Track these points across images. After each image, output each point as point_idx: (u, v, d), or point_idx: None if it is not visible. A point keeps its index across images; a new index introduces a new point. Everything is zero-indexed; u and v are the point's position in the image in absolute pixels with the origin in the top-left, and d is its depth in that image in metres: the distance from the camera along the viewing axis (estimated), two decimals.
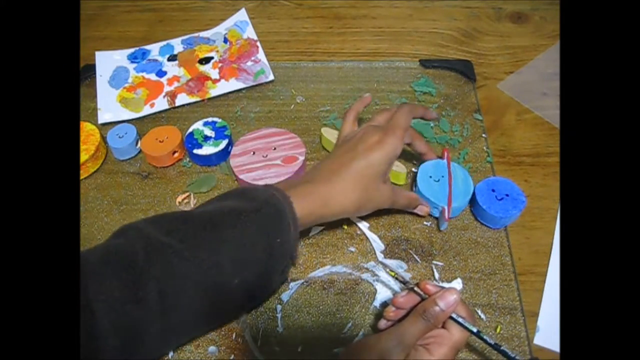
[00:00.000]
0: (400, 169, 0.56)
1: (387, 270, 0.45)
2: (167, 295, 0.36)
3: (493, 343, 0.39)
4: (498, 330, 0.46)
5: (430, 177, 0.53)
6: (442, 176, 0.53)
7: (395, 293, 0.49)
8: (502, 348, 0.39)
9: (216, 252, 0.38)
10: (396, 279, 0.44)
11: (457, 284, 0.49)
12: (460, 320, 0.39)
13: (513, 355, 0.39)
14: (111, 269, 0.36)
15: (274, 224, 0.41)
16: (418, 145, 0.53)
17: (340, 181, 0.45)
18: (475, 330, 0.39)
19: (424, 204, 0.52)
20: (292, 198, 0.42)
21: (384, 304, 0.48)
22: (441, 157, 0.55)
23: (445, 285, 0.49)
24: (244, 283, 0.40)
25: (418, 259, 0.51)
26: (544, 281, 0.50)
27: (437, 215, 0.54)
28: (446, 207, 0.51)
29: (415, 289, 0.41)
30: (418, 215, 0.54)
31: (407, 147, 0.52)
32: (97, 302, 0.34)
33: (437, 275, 0.50)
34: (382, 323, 0.43)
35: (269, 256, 0.41)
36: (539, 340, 0.46)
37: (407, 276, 0.50)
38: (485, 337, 0.39)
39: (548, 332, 0.46)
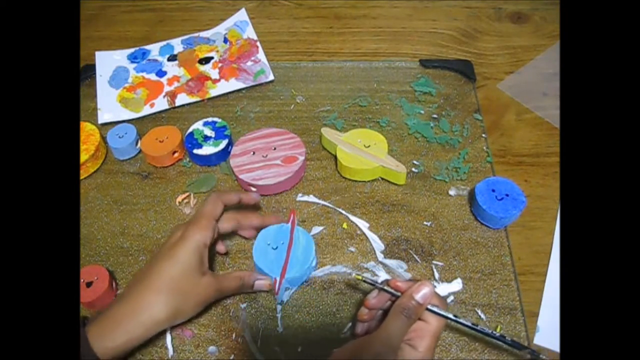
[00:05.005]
0: (400, 169, 0.56)
1: (354, 274, 0.44)
2: None
3: (470, 324, 0.40)
4: (498, 330, 0.46)
5: (269, 244, 0.49)
6: (282, 243, 0.49)
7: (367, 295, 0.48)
8: (479, 327, 0.40)
9: None
10: (364, 281, 0.43)
11: (457, 284, 0.49)
12: (435, 309, 0.39)
13: (490, 332, 0.40)
14: None
15: None
16: (251, 221, 0.50)
17: (143, 291, 0.41)
18: (451, 315, 0.40)
19: (262, 278, 0.48)
20: (95, 335, 0.38)
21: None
22: (286, 221, 0.50)
23: (445, 285, 0.49)
24: None
25: (418, 259, 0.51)
26: (544, 281, 0.50)
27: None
28: (278, 279, 0.47)
29: (386, 287, 0.41)
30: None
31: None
32: None
33: (437, 275, 0.50)
34: (359, 327, 0.43)
35: None
36: (539, 340, 0.46)
37: (407, 276, 0.50)
38: (461, 320, 0.40)
39: (548, 332, 0.46)
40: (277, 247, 0.49)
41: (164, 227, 0.56)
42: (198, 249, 0.44)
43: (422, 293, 0.39)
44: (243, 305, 0.49)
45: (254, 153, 0.58)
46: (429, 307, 0.39)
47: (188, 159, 0.62)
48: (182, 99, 0.69)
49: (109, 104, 0.69)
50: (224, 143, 0.60)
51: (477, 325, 0.40)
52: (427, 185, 0.58)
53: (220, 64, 0.73)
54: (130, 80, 0.72)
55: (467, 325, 0.40)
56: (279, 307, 0.48)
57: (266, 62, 0.73)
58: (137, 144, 0.63)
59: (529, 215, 0.54)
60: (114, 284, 0.50)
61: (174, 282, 0.42)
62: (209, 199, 0.48)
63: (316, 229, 0.54)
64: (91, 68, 0.74)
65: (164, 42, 0.78)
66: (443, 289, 0.49)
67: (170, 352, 0.46)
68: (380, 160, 0.57)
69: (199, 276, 0.44)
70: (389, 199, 0.56)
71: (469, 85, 0.69)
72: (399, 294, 0.40)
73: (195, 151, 0.59)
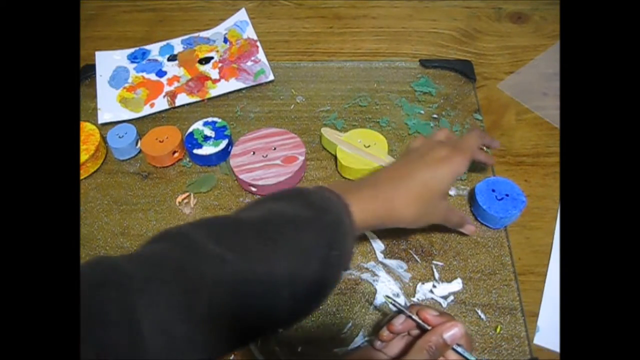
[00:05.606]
0: None
1: (384, 295, 0.43)
2: (214, 308, 0.32)
3: None
4: (498, 330, 0.46)
5: None
6: None
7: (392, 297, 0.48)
8: None
9: (269, 264, 0.34)
10: (394, 305, 0.42)
11: (457, 284, 0.49)
12: (460, 350, 0.38)
13: None
14: (158, 283, 0.31)
15: (332, 233, 0.37)
16: (478, 155, 0.52)
17: (404, 189, 0.43)
18: (473, 359, 0.39)
19: (470, 223, 0.52)
20: (352, 203, 0.39)
21: (383, 305, 0.48)
22: None
23: (445, 285, 0.49)
24: (293, 297, 0.35)
25: (418, 259, 0.51)
26: (544, 281, 0.50)
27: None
28: None
29: (415, 317, 0.40)
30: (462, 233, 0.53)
31: None
32: (145, 322, 0.30)
33: (437, 275, 0.50)
34: (378, 343, 0.42)
35: (323, 268, 0.36)
36: (539, 340, 0.46)
37: (407, 276, 0.50)
38: None
39: (548, 332, 0.46)
40: None
41: (164, 227, 0.56)
42: (455, 175, 0.45)
43: (451, 333, 0.38)
44: None
45: (254, 153, 0.58)
46: (454, 346, 0.38)
47: (188, 159, 0.62)
48: (182, 99, 0.69)
49: (109, 104, 0.69)
50: (224, 143, 0.60)
51: None
52: None
53: (220, 64, 0.73)
54: (130, 80, 0.72)
55: None
56: None
57: (266, 62, 0.73)
58: (137, 144, 0.63)
59: (529, 215, 0.54)
60: None
61: (428, 194, 0.43)
62: (472, 134, 0.49)
63: None
64: (91, 68, 0.74)
65: (164, 42, 0.78)
66: (443, 289, 0.49)
67: None
68: (380, 160, 0.57)
69: (444, 198, 0.46)
70: None
71: (469, 85, 0.69)
72: (427, 326, 0.39)
73: (195, 151, 0.59)
